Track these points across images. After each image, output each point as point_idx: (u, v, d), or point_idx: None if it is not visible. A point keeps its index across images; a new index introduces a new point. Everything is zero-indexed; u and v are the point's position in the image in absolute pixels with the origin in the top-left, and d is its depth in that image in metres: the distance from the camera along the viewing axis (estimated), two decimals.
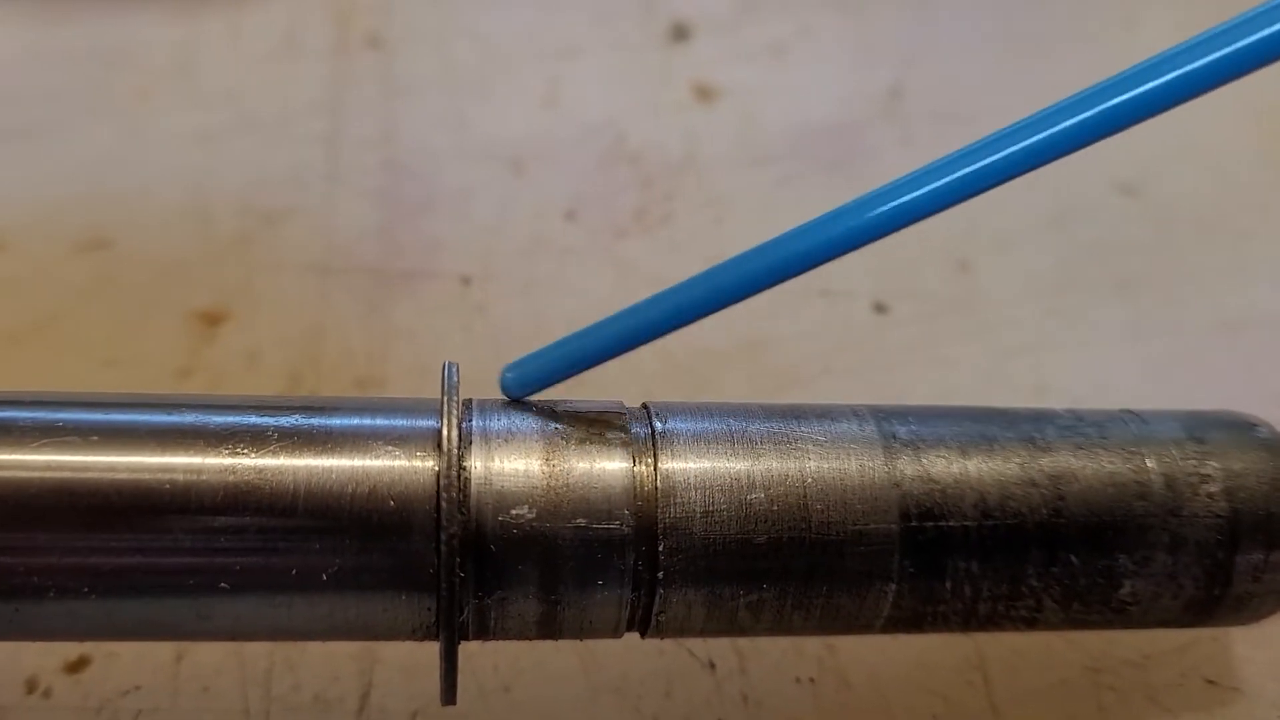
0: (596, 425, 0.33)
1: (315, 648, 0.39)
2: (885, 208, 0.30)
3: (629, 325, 0.32)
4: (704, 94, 0.57)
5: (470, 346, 0.48)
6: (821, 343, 0.48)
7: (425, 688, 0.38)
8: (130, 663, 0.39)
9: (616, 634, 0.33)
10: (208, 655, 0.39)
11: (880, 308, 0.49)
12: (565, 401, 0.34)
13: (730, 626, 0.33)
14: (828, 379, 0.46)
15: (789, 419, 0.34)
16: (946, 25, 0.61)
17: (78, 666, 0.39)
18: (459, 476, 0.31)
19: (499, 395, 0.34)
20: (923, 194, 0.30)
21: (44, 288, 0.51)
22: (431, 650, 0.37)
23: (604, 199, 0.53)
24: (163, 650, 0.39)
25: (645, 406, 0.34)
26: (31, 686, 0.39)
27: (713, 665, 0.39)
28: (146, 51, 0.61)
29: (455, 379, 0.32)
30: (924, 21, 0.61)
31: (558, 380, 0.33)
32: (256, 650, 0.39)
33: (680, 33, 0.60)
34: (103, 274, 0.51)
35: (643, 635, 0.34)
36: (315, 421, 0.32)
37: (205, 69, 0.60)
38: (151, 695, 0.39)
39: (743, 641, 0.40)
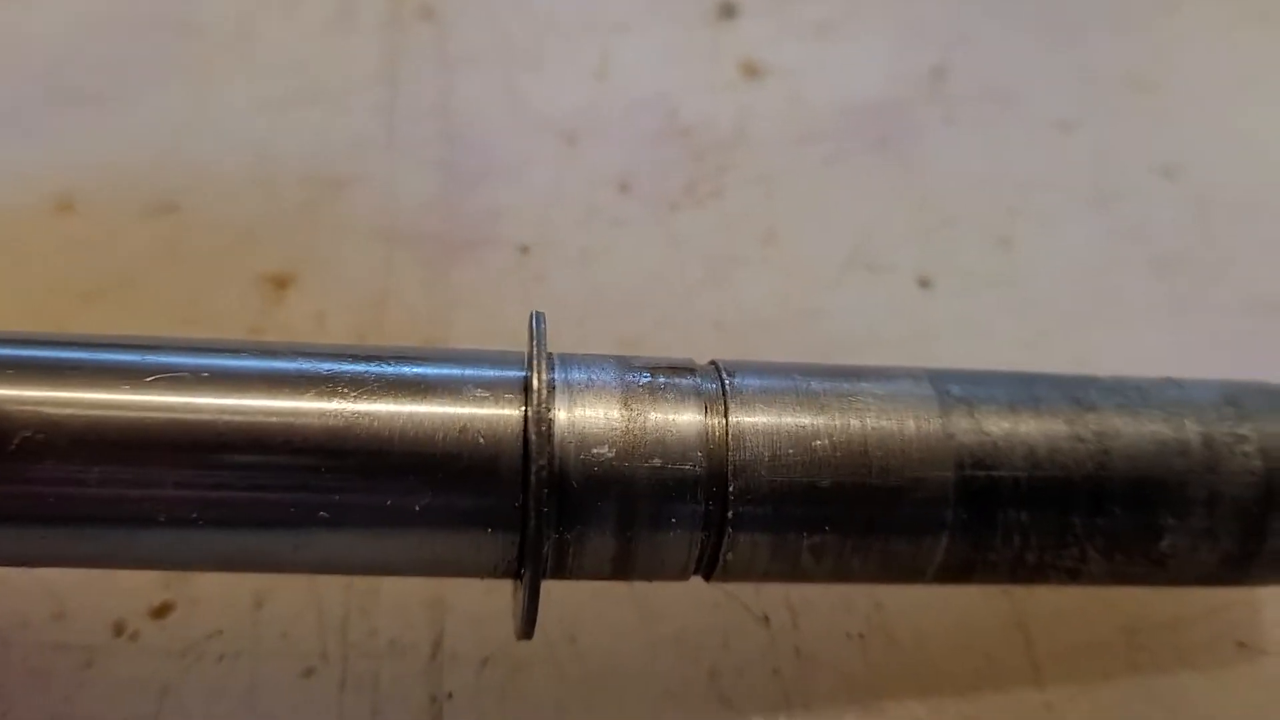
0: (671, 378, 0.35)
1: (390, 596, 0.41)
2: None
3: None
4: (752, 71, 0.59)
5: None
6: (867, 316, 0.50)
7: (495, 634, 0.40)
8: (212, 608, 0.41)
9: (684, 575, 0.35)
10: (286, 602, 0.41)
11: (924, 283, 0.51)
12: (639, 357, 0.36)
13: (792, 570, 0.35)
14: (872, 351, 0.48)
15: (849, 377, 0.36)
16: (990, 6, 0.63)
17: (162, 611, 0.41)
18: (546, 417, 0.33)
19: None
20: None
21: (115, 250, 0.53)
22: (500, 600, 0.40)
23: (656, 172, 0.55)
24: (243, 596, 0.41)
25: (714, 363, 0.36)
26: (119, 629, 0.41)
27: (767, 619, 0.41)
28: (208, 20, 0.63)
29: (543, 327, 0.34)
30: (967, 2, 0.63)
31: None
32: (333, 597, 0.41)
33: (728, 10, 0.62)
34: (172, 237, 0.53)
35: (708, 578, 0.36)
36: (409, 369, 0.34)
37: (265, 39, 0.62)
38: (233, 639, 0.41)
39: (795, 598, 0.42)
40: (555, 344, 0.35)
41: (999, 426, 0.35)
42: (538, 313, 0.35)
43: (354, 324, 0.49)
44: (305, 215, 0.54)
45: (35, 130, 0.57)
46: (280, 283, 0.51)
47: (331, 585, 0.41)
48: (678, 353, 0.47)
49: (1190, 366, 0.49)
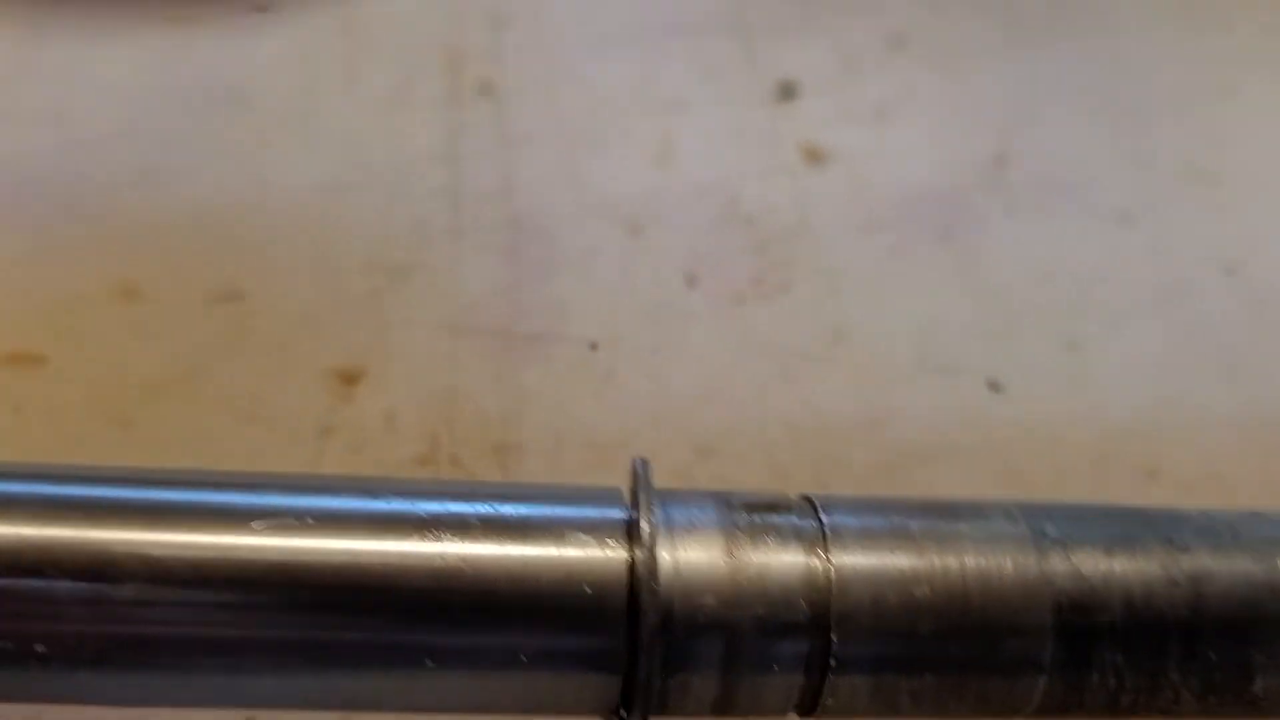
0: (767, 516, 0.35)
1: None
2: None
3: None
4: (813, 156, 0.59)
5: (603, 414, 0.50)
6: (939, 419, 0.50)
7: None
8: None
9: (783, 715, 0.35)
10: None
11: (995, 386, 0.51)
12: (736, 493, 0.36)
13: (890, 710, 0.35)
14: (945, 457, 0.49)
15: (946, 516, 0.36)
16: (1047, 91, 0.63)
17: None
18: (653, 564, 0.33)
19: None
20: None
21: (182, 339, 0.53)
22: None
23: (722, 263, 0.55)
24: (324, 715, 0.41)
25: (808, 499, 0.36)
26: None
27: None
28: (263, 96, 0.63)
29: (648, 474, 0.34)
30: (1025, 87, 0.63)
31: None
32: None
33: (788, 91, 0.62)
34: (237, 326, 0.53)
35: (804, 716, 0.36)
36: (511, 509, 0.34)
37: (321, 116, 0.62)
38: None
39: None
40: (634, 451, 0.36)
41: (1095, 570, 0.35)
42: (642, 459, 0.35)
43: (424, 424, 0.50)
44: (371, 304, 0.54)
45: (96, 212, 0.57)
46: (349, 379, 0.51)
47: None
48: (750, 460, 0.47)
49: (1263, 473, 0.49)
